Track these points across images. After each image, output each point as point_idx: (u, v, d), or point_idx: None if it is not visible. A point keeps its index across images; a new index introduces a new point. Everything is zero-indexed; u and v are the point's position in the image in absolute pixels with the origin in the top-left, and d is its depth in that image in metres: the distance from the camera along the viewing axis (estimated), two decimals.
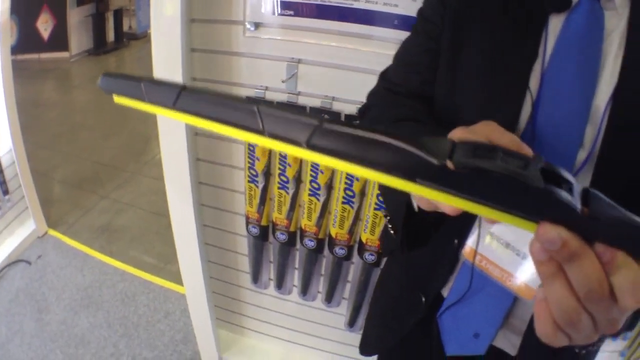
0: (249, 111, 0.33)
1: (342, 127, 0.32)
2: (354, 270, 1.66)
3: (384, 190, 0.77)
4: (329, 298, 1.74)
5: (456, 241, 0.82)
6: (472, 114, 0.74)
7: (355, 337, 1.55)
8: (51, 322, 2.26)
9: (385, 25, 1.34)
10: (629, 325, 0.65)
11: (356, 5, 1.36)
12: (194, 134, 1.58)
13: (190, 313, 1.94)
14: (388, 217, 0.77)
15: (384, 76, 0.91)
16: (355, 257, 1.62)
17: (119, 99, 0.38)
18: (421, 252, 0.92)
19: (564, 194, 0.31)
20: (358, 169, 0.32)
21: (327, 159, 0.33)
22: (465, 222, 0.80)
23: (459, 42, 0.76)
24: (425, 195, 0.32)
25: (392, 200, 0.72)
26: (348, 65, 1.36)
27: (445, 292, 0.89)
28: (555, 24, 0.69)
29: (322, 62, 1.40)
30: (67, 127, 4.01)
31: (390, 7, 1.32)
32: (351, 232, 1.56)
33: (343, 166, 0.33)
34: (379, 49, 1.31)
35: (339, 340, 1.86)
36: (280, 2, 1.39)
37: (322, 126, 0.32)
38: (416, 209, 0.64)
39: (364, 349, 1.11)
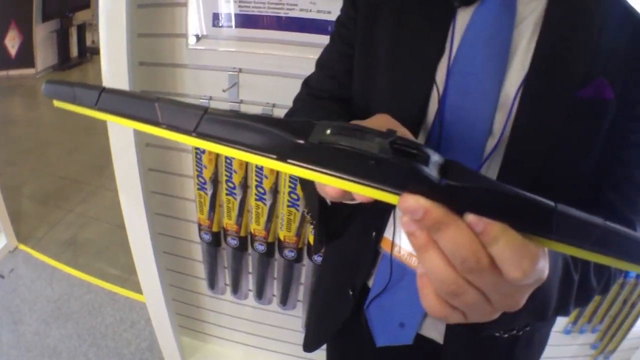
0: (151, 106, 0.37)
1: (223, 115, 0.36)
2: (305, 272, 1.69)
3: (302, 184, 0.79)
4: (284, 301, 1.77)
5: (374, 233, 0.83)
6: (382, 109, 0.76)
7: None
8: (26, 333, 2.28)
9: (320, 32, 1.38)
10: (560, 308, 0.64)
11: (291, 14, 1.40)
12: (144, 144, 1.61)
13: (152, 322, 1.96)
14: (307, 211, 0.78)
15: (307, 82, 0.93)
16: (306, 259, 1.65)
17: (58, 104, 0.42)
18: (344, 246, 0.95)
19: (416, 164, 0.32)
20: (239, 153, 0.35)
21: (214, 146, 0.36)
22: (382, 214, 0.82)
23: (370, 43, 0.78)
24: (299, 175, 0.34)
25: (308, 193, 0.73)
26: (287, 73, 1.39)
27: (370, 283, 0.90)
28: (464, 17, 0.70)
29: (262, 71, 1.44)
30: (34, 144, 4.01)
31: (323, 15, 1.36)
32: (299, 234, 1.59)
33: (227, 151, 0.36)
34: (315, 55, 1.35)
35: (298, 343, 1.88)
36: (220, 14, 1.43)
37: (206, 115, 0.36)
38: (329, 202, 0.67)
39: (305, 346, 1.13)
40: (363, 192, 0.33)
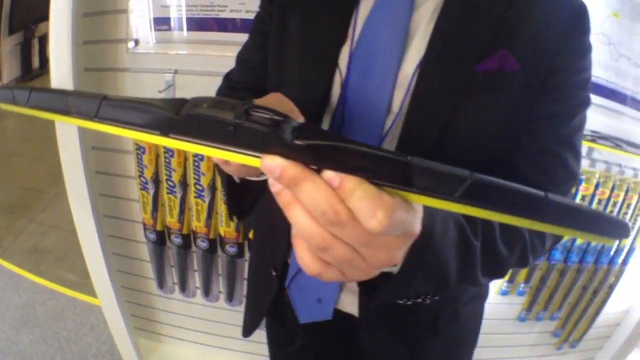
0: (64, 99, 0.41)
1: (118, 100, 0.39)
2: (248, 267, 1.70)
3: (215, 165, 0.82)
4: (230, 297, 1.78)
5: None
6: (291, 95, 0.79)
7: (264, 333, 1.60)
8: (1, 340, 2.30)
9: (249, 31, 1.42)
10: (463, 275, 0.63)
11: (222, 15, 1.44)
12: (90, 147, 1.63)
13: (108, 325, 1.97)
14: (223, 191, 0.82)
15: (227, 76, 0.96)
16: (248, 254, 1.67)
17: (4, 106, 0.46)
18: (264, 227, 0.98)
19: (270, 128, 0.34)
20: (132, 132, 0.39)
21: (112, 128, 0.39)
22: None
23: (282, 34, 0.81)
24: (179, 147, 0.37)
25: (219, 171, 0.76)
26: (221, 72, 1.41)
27: (290, 261, 0.92)
28: (366, 5, 0.74)
29: (197, 71, 1.47)
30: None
31: (252, 14, 1.39)
32: (238, 229, 1.60)
33: (123, 132, 0.39)
34: None
35: (250, 339, 1.89)
36: (155, 18, 1.47)
37: (104, 101, 0.39)
38: (236, 179, 0.70)
39: (244, 331, 1.14)
40: (229, 157, 0.36)
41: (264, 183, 0.73)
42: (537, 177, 0.72)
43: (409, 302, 0.85)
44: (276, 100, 0.59)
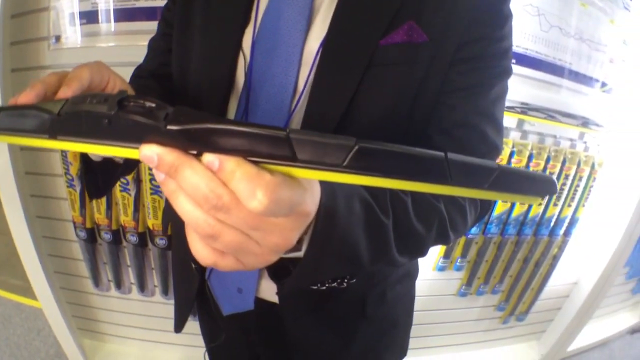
0: None
1: (11, 108, 0.40)
2: (171, 261, 1.69)
3: None
4: (165, 290, 1.77)
5: None
6: (195, 81, 0.78)
7: None
8: None
9: None
10: (378, 255, 0.61)
11: (138, 5, 1.43)
12: (19, 148, 1.60)
13: (51, 327, 1.95)
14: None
15: (138, 66, 0.95)
16: None
17: None
18: (178, 220, 0.96)
19: (142, 116, 0.33)
20: (23, 139, 0.39)
21: (6, 138, 0.40)
22: None
23: (186, 19, 0.80)
24: (71, 149, 0.36)
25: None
26: (139, 62, 1.41)
27: None
28: None
29: (117, 62, 1.44)
30: None
31: None
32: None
33: (17, 140, 0.39)
34: None
35: (190, 332, 1.88)
36: (75, 13, 1.45)
37: (1, 112, 0.40)
38: (95, 157, 0.69)
39: (175, 327, 1.13)
40: (110, 152, 0.35)
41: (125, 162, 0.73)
42: (455, 151, 0.70)
43: (323, 287, 0.83)
44: (96, 68, 0.58)
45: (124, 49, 1.46)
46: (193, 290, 0.94)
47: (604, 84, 1.91)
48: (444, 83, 0.70)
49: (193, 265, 0.91)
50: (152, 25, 1.40)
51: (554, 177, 1.86)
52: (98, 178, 0.73)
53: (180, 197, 0.35)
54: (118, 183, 1.54)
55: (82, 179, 0.74)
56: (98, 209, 1.61)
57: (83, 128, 0.35)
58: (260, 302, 0.89)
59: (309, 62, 0.70)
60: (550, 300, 2.29)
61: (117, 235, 1.67)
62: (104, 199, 1.58)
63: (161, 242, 1.62)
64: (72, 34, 1.49)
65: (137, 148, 0.34)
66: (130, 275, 1.80)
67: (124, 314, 1.93)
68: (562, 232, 2.05)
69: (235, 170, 0.32)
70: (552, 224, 2.01)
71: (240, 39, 0.74)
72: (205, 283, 0.93)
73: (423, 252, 0.70)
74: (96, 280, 1.81)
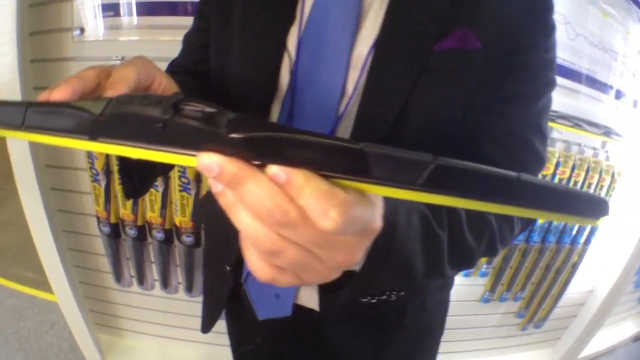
0: None
1: (44, 106, 0.37)
2: (202, 261, 1.67)
3: None
4: (189, 288, 1.75)
5: None
6: (236, 81, 0.76)
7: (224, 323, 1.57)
8: None
9: None
10: (431, 268, 0.60)
11: None
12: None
13: (67, 321, 1.93)
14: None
15: (172, 61, 0.92)
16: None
17: None
18: (218, 221, 0.94)
19: (202, 122, 0.31)
20: (61, 140, 0.35)
21: (41, 137, 0.36)
22: None
23: (226, 15, 0.77)
24: (112, 152, 0.34)
25: None
26: (170, 57, 1.38)
27: None
28: None
29: (151, 57, 1.42)
30: None
31: None
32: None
33: (53, 140, 0.36)
34: None
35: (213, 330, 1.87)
36: (102, 5, 1.43)
37: (29, 108, 0.36)
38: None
39: (202, 327, 1.12)
40: (162, 158, 0.32)
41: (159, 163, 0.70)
42: (505, 162, 0.69)
43: (374, 300, 0.82)
44: (140, 63, 0.53)
45: (147, 44, 1.45)
46: (225, 293, 0.93)
47: (621, 94, 1.90)
48: (495, 91, 0.68)
49: (227, 268, 0.90)
50: (184, 21, 1.40)
51: (578, 185, 1.86)
52: (135, 178, 0.71)
53: (240, 210, 0.33)
54: None
55: (120, 176, 0.71)
56: (123, 205, 1.59)
57: (131, 131, 0.33)
58: (297, 308, 0.87)
59: (358, 64, 0.68)
60: (567, 307, 2.29)
61: (143, 232, 1.65)
62: None
63: (188, 239, 1.60)
64: (96, 26, 1.47)
65: (194, 156, 0.31)
66: (153, 272, 1.78)
67: (144, 310, 1.92)
68: (582, 240, 2.04)
69: (305, 186, 0.30)
70: (574, 232, 2.00)
71: (285, 38, 0.71)
72: (239, 286, 0.91)
73: (472, 265, 0.69)
74: (118, 275, 1.79)
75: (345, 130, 0.70)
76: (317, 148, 0.30)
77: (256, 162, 0.31)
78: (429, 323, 0.94)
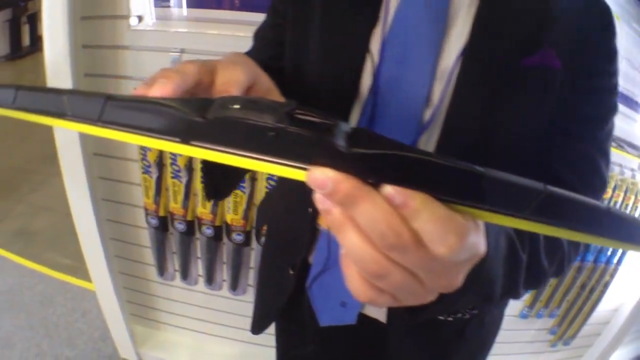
0: (59, 99, 0.35)
1: (126, 100, 0.34)
2: (255, 256, 1.67)
3: None
4: (234, 286, 1.74)
5: (310, 210, 0.81)
6: (315, 83, 0.74)
7: None
8: None
9: (264, 10, 1.36)
10: (508, 290, 0.60)
11: None
12: None
13: (102, 311, 1.92)
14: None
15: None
16: (255, 243, 1.63)
17: None
18: (283, 222, 0.93)
19: (320, 133, 0.29)
20: (144, 139, 0.33)
21: (119, 134, 0.34)
22: None
23: (302, 13, 0.76)
24: (204, 157, 0.32)
25: None
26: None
27: (312, 261, 0.87)
28: None
29: (205, 51, 1.41)
30: None
31: None
32: (246, 217, 1.57)
33: (134, 138, 0.34)
34: None
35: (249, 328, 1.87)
36: None
37: (109, 101, 0.34)
38: None
39: (253, 328, 1.11)
40: (267, 169, 0.31)
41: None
42: (574, 183, 0.69)
43: (450, 319, 0.82)
44: (235, 59, 0.50)
45: (212, 38, 1.42)
46: (285, 296, 0.92)
47: None
48: (569, 112, 0.68)
49: (290, 272, 0.89)
50: (246, 16, 1.38)
51: (617, 206, 1.85)
52: (219, 180, 0.69)
53: (349, 230, 0.31)
54: (200, 174, 1.51)
55: (203, 177, 0.69)
56: (174, 199, 1.59)
57: (237, 138, 0.31)
58: (361, 317, 0.86)
59: (444, 73, 0.67)
60: (593, 325, 2.28)
61: (192, 227, 1.65)
62: (181, 189, 1.55)
63: (238, 237, 1.59)
64: (155, 15, 1.45)
65: (304, 169, 0.30)
66: (199, 267, 1.77)
67: (184, 304, 1.92)
68: (615, 260, 2.04)
69: (422, 209, 0.29)
70: (609, 252, 2.00)
71: (368, 40, 0.70)
72: (301, 290, 0.90)
73: (541, 287, 0.70)
74: (161, 269, 1.79)
75: (428, 141, 0.70)
76: (437, 169, 0.28)
77: (370, 181, 0.29)
78: (485, 337, 0.94)
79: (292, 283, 0.89)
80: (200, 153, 0.32)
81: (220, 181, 0.70)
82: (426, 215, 0.29)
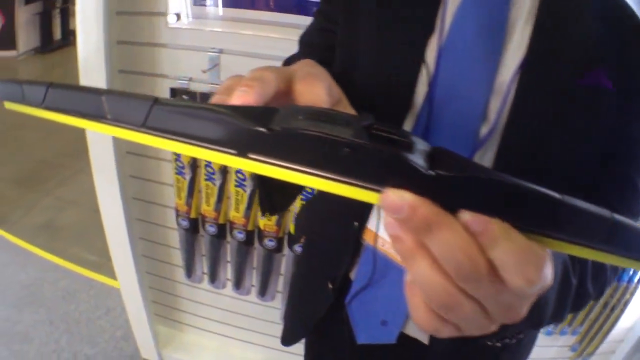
0: (97, 99, 0.32)
1: (175, 105, 0.31)
2: (285, 262, 1.65)
3: None
4: (263, 291, 1.72)
5: (356, 224, 0.78)
6: (367, 90, 0.70)
7: None
8: None
9: (305, 13, 1.34)
10: (555, 315, 0.60)
11: None
12: None
13: (126, 310, 1.91)
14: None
15: (287, 61, 0.87)
16: (287, 249, 1.61)
17: (9, 105, 0.37)
18: (325, 235, 0.90)
19: (399, 151, 0.27)
20: (194, 149, 0.30)
21: (165, 142, 0.31)
22: (364, 203, 0.76)
23: (353, 18, 0.73)
24: (264, 173, 0.29)
25: None
26: (271, 55, 1.35)
27: (353, 276, 0.85)
28: None
29: (244, 52, 1.39)
30: (9, 126, 3.88)
31: None
32: (279, 223, 1.54)
33: (182, 148, 0.30)
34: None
35: (276, 335, 1.83)
36: None
37: (156, 105, 0.31)
38: None
39: (283, 340, 1.09)
40: (337, 190, 0.28)
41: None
42: (619, 205, 0.66)
43: (499, 344, 0.79)
44: (306, 66, 0.47)
45: (250, 39, 1.38)
46: (321, 310, 0.89)
47: None
48: (619, 133, 0.66)
49: (330, 286, 0.86)
50: (287, 18, 1.36)
51: None
52: (276, 195, 0.66)
53: (422, 259, 0.29)
54: (234, 177, 1.49)
55: (260, 191, 0.65)
56: (207, 201, 1.57)
57: (302, 153, 0.28)
58: (402, 337, 0.83)
59: (502, 87, 0.63)
60: (609, 343, 2.25)
61: (223, 230, 1.63)
62: (215, 191, 1.53)
63: (270, 243, 1.57)
64: (194, 13, 1.43)
65: (377, 191, 0.27)
66: (227, 271, 1.75)
67: (210, 307, 1.90)
68: (636, 279, 2.01)
69: (500, 238, 0.27)
70: (631, 271, 1.97)
71: (424, 49, 0.67)
72: (339, 306, 0.87)
73: (581, 311, 0.69)
74: (189, 270, 1.77)
75: (483, 158, 0.67)
76: (517, 194, 0.26)
77: (448, 205, 0.27)
78: (521, 357, 0.92)
79: (331, 298, 0.86)
80: (259, 168, 0.29)
81: (277, 195, 0.66)
82: (505, 244, 0.27)
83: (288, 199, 0.71)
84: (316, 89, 0.41)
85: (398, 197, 0.27)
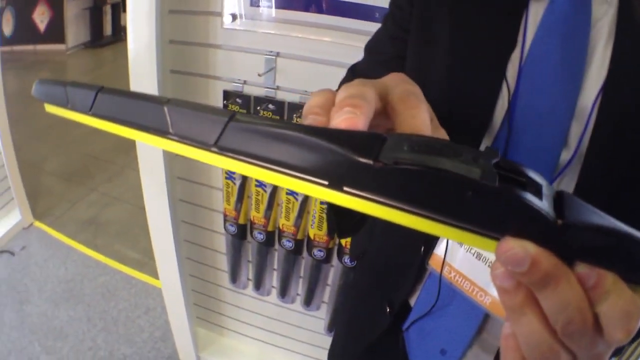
0: (159, 109, 0.28)
1: (255, 123, 0.27)
2: (333, 273, 1.61)
3: None
4: (308, 301, 1.69)
5: (423, 248, 0.75)
6: (442, 107, 0.67)
7: (328, 340, 1.51)
8: (32, 314, 2.21)
9: (366, 18, 1.30)
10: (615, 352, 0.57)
11: None
12: None
13: (167, 310, 1.90)
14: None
15: (353, 69, 0.84)
16: (335, 260, 1.57)
17: (50, 108, 0.35)
18: (387, 256, 0.87)
19: (530, 197, 0.23)
20: (277, 176, 0.26)
21: (240, 165, 0.27)
22: None
23: (428, 30, 0.69)
24: (355, 208, 0.25)
25: None
26: (328, 60, 1.31)
27: (413, 301, 0.81)
28: (537, 9, 0.62)
29: (301, 56, 1.35)
30: (58, 120, 3.90)
31: (370, 0, 1.28)
32: (331, 234, 1.50)
33: (261, 173, 0.27)
34: (359, 42, 1.26)
35: (318, 345, 1.81)
36: None
37: (232, 122, 0.27)
38: None
39: (332, 354, 1.06)
40: (448, 235, 0.24)
41: None
42: None
43: None
44: (398, 79, 0.42)
45: (310, 44, 1.34)
46: (376, 333, 0.86)
47: None
48: None
49: (388, 309, 0.82)
50: (348, 23, 1.32)
51: None
52: (347, 220, 0.61)
53: (530, 314, 0.26)
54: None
55: (331, 214, 0.61)
56: (256, 207, 1.54)
57: (414, 191, 0.24)
58: None
59: (582, 114, 0.60)
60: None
61: (271, 237, 1.60)
62: (265, 198, 1.50)
63: (319, 253, 1.53)
64: (252, 15, 1.38)
65: (494, 238, 0.24)
66: (273, 279, 1.72)
67: (252, 313, 1.88)
68: None
69: (611, 291, 0.24)
70: None
71: (506, 65, 0.63)
72: (395, 330, 0.84)
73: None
74: (234, 276, 1.75)
75: (560, 185, 0.63)
76: (627, 242, 0.24)
77: (565, 256, 0.24)
78: None
79: (387, 321, 0.83)
80: (352, 202, 0.25)
81: (348, 221, 0.61)
82: (614, 298, 0.25)
83: (361, 224, 0.67)
84: (420, 112, 0.35)
85: (521, 248, 0.24)
